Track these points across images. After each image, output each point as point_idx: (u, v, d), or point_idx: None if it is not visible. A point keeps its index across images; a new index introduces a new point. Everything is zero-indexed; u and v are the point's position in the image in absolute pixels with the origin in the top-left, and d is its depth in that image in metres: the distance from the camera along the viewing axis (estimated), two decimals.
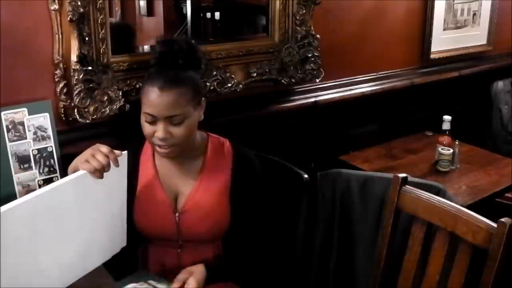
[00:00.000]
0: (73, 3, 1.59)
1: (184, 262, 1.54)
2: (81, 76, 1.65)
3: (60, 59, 1.67)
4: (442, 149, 2.31)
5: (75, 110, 1.68)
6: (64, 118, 1.72)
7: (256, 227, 1.56)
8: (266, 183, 1.59)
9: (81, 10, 1.61)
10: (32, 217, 1.22)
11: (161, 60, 1.45)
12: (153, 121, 1.41)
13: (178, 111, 1.39)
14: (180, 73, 1.42)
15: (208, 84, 1.95)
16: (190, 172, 1.54)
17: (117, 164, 1.31)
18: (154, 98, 1.38)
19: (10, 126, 1.60)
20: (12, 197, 1.56)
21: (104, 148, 1.30)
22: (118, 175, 1.39)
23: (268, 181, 1.67)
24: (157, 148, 1.46)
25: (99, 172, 1.28)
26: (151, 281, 1.39)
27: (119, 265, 1.48)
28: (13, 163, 1.60)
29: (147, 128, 1.43)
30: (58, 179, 1.63)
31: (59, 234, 1.29)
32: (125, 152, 1.37)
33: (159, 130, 1.40)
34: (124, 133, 1.48)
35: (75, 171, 1.31)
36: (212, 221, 1.51)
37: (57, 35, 1.66)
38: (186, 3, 2.19)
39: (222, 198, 1.52)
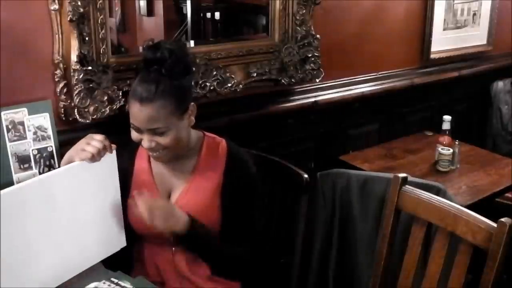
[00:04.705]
0: (73, 3, 1.59)
1: (178, 261, 1.54)
2: (81, 76, 1.65)
3: (60, 59, 1.67)
4: (442, 149, 2.31)
5: (75, 110, 1.68)
6: (64, 118, 1.72)
7: (246, 227, 1.55)
8: (259, 185, 1.57)
9: (81, 10, 1.61)
10: (26, 204, 1.25)
11: (148, 66, 1.43)
12: (139, 131, 1.43)
13: (159, 124, 1.39)
14: (162, 84, 1.39)
15: (208, 84, 1.95)
16: (183, 172, 1.54)
17: (111, 150, 1.41)
18: (135, 111, 1.40)
19: (10, 126, 1.59)
20: None
21: (98, 136, 1.40)
22: (108, 172, 1.45)
23: (263, 183, 1.66)
24: (149, 153, 1.49)
25: (97, 155, 1.37)
26: (113, 279, 1.39)
27: (113, 262, 1.49)
28: (13, 163, 1.60)
29: (134, 136, 1.45)
30: None
31: (53, 224, 1.33)
32: (113, 151, 1.43)
33: (144, 140, 1.43)
34: (124, 133, 1.49)
35: (68, 163, 1.39)
36: (203, 219, 1.49)
37: (57, 35, 1.66)
38: (186, 3, 2.19)
39: (213, 198, 1.52)
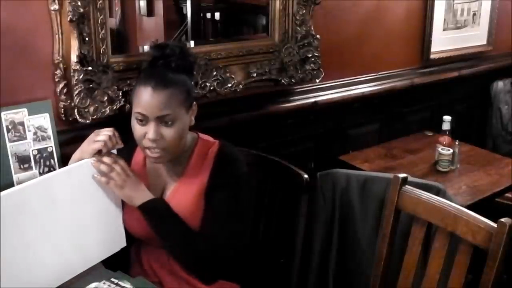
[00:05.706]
0: (73, 3, 1.59)
1: (173, 263, 1.53)
2: (81, 76, 1.65)
3: (60, 59, 1.67)
4: (442, 149, 2.31)
5: (75, 110, 1.68)
6: (64, 118, 1.72)
7: (224, 226, 1.48)
8: (246, 185, 1.53)
9: (81, 10, 1.61)
10: (26, 205, 1.25)
11: (154, 63, 1.45)
12: (145, 121, 1.40)
13: (170, 110, 1.39)
14: (172, 75, 1.42)
15: (208, 84, 1.95)
16: (175, 173, 1.54)
17: (120, 141, 1.45)
18: (146, 97, 1.38)
19: (10, 126, 1.59)
20: None
21: (106, 129, 1.45)
22: None
23: (263, 183, 1.64)
24: (147, 153, 1.44)
25: (110, 143, 1.42)
26: (113, 279, 1.39)
27: (111, 262, 1.49)
28: (13, 163, 1.60)
29: (138, 129, 1.42)
30: None
31: (53, 225, 1.33)
32: (113, 151, 1.46)
33: (150, 131, 1.39)
34: (124, 133, 1.49)
35: (79, 159, 1.43)
36: (190, 223, 1.48)
37: (57, 35, 1.66)
38: (186, 3, 2.19)
39: (198, 200, 1.50)
